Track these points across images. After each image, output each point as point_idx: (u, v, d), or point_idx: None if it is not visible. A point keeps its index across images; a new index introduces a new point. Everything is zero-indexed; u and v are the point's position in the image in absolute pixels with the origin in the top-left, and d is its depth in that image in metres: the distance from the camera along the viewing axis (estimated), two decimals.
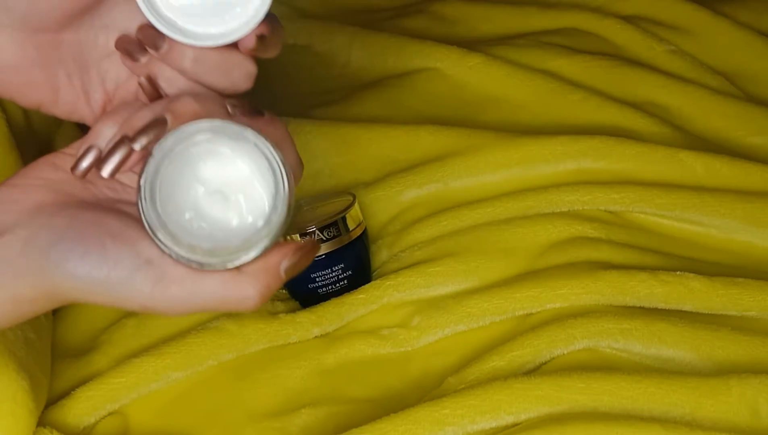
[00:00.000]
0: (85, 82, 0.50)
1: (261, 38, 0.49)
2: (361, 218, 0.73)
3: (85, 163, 0.48)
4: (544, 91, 0.85)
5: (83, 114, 0.51)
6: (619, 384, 0.60)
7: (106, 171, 0.48)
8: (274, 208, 0.46)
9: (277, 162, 0.46)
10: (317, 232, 0.70)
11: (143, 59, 0.50)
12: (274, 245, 0.47)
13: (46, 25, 0.48)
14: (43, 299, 0.47)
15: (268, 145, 0.46)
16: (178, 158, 0.47)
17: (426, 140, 0.81)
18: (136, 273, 0.45)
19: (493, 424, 0.60)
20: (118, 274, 0.45)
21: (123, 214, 0.48)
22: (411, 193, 0.78)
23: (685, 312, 0.67)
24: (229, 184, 0.47)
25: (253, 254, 0.46)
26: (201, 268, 0.46)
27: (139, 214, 0.46)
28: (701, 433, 0.57)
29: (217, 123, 0.46)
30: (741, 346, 0.64)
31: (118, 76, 0.51)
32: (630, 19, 0.93)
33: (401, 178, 0.78)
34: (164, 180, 0.46)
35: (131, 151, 0.47)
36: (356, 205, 0.72)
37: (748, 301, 0.67)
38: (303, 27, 0.94)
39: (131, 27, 0.50)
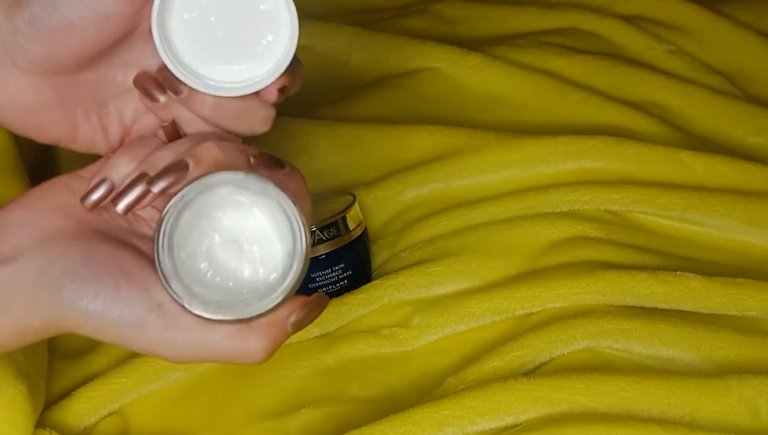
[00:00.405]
0: (103, 118, 0.50)
1: (282, 90, 0.49)
2: (361, 218, 0.73)
3: (96, 196, 0.48)
4: (544, 91, 0.85)
5: (101, 148, 0.51)
6: (618, 384, 0.60)
7: (121, 206, 0.48)
8: (289, 266, 0.46)
9: (297, 220, 0.46)
10: (317, 232, 0.70)
11: (162, 99, 0.49)
12: None
13: (65, 68, 0.48)
14: (50, 330, 0.47)
15: (290, 203, 0.45)
16: (196, 205, 0.46)
17: (426, 140, 0.81)
18: (147, 316, 0.46)
19: (493, 425, 0.60)
20: (129, 316, 0.46)
21: (137, 251, 0.48)
22: (411, 193, 0.78)
23: (685, 312, 0.67)
24: (246, 236, 0.47)
25: (264, 310, 0.46)
26: (210, 321, 0.46)
27: (155, 262, 0.46)
28: (701, 434, 0.57)
29: (240, 176, 0.45)
30: (741, 346, 0.64)
31: (136, 110, 0.51)
32: (630, 19, 0.93)
33: (401, 178, 0.78)
34: (181, 226, 0.46)
35: (149, 191, 0.47)
36: (356, 205, 0.72)
37: (748, 301, 0.67)
38: (303, 27, 0.93)
39: (151, 65, 0.50)
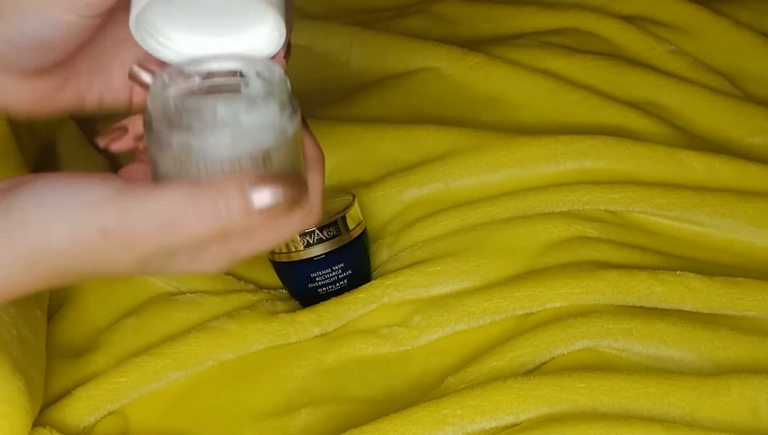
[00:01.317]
0: (108, 78, 0.51)
1: (287, 47, 0.49)
2: (361, 218, 0.73)
3: (110, 136, 0.50)
4: (544, 91, 0.85)
5: (117, 102, 0.52)
6: (618, 384, 0.60)
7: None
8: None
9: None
10: (317, 231, 0.70)
11: None
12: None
13: (59, 63, 0.48)
14: (15, 266, 0.44)
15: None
16: None
17: (426, 140, 0.81)
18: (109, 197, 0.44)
19: (493, 424, 0.60)
20: (87, 197, 0.44)
21: None
22: (411, 193, 0.78)
23: (685, 312, 0.67)
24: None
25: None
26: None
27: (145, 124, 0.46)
28: (701, 434, 0.57)
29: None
30: (741, 346, 0.64)
31: (137, 56, 0.50)
32: (630, 19, 0.93)
33: (401, 178, 0.78)
34: None
35: None
36: (356, 204, 0.72)
37: (748, 301, 0.68)
38: (303, 27, 0.94)
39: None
